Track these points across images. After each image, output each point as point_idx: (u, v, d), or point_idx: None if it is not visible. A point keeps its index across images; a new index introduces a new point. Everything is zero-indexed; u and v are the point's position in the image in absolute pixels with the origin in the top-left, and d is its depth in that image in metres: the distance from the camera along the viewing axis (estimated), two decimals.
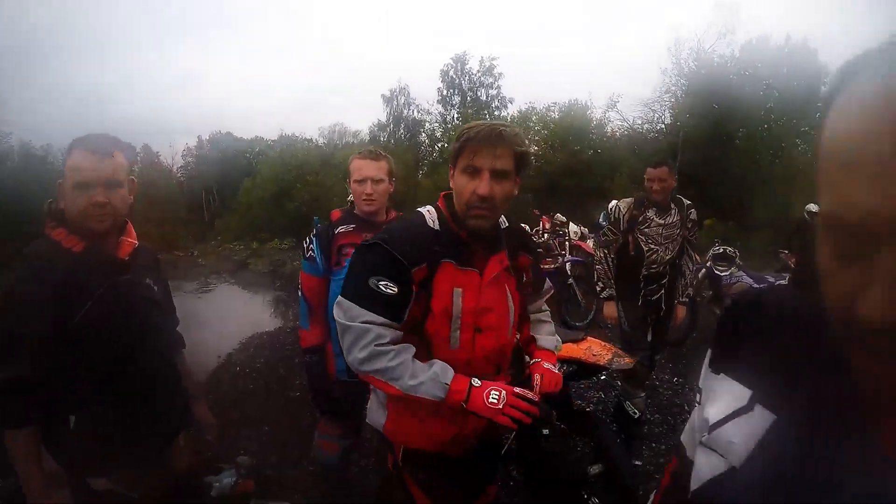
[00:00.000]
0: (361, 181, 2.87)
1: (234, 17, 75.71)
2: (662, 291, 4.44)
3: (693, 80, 20.90)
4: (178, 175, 50.19)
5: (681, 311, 4.55)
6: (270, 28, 73.46)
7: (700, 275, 7.14)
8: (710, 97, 19.16)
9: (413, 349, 1.76)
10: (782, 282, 6.49)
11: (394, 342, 1.74)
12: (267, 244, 27.58)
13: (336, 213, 3.06)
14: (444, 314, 1.77)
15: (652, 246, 4.32)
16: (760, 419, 0.67)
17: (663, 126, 22.85)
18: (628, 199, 4.49)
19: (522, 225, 2.78)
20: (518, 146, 1.73)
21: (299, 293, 3.00)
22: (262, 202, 35.41)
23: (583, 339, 3.60)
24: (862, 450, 0.57)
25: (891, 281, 0.47)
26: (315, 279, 2.92)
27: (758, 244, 13.61)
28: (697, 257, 5.43)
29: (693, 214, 4.41)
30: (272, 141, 52.57)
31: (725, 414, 0.72)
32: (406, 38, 67.67)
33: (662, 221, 4.30)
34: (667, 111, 22.83)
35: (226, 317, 10.44)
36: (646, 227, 4.32)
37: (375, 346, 1.70)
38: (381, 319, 1.71)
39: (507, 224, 1.95)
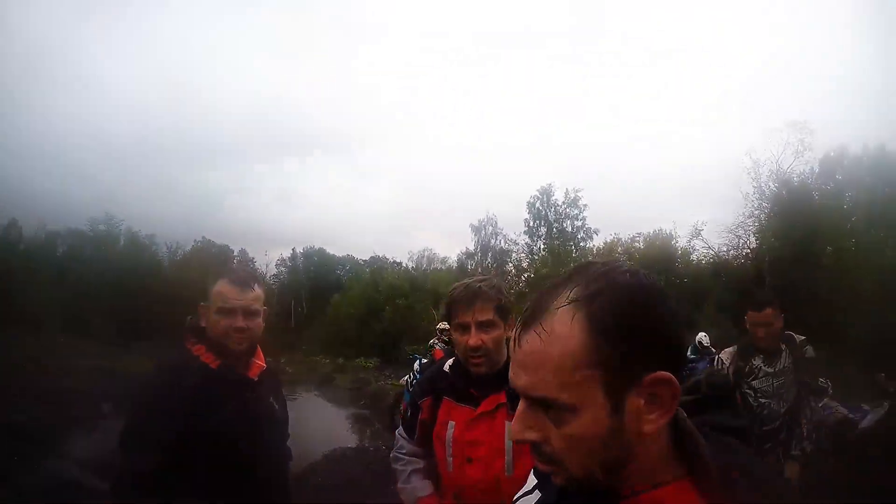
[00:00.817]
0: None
1: (335, 141, 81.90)
2: (779, 449, 3.78)
3: (775, 203, 20.51)
4: (270, 283, 52.44)
5: (792, 469, 3.74)
6: (368, 153, 78.72)
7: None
8: (794, 218, 18.60)
9: (419, 463, 2.22)
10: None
11: (409, 453, 2.25)
12: (352, 360, 28.02)
13: (439, 353, 3.27)
14: (439, 440, 2.08)
15: (762, 400, 3.76)
16: None
17: (748, 251, 22.33)
18: (730, 350, 4.01)
19: None
20: (496, 300, 1.99)
21: (400, 416, 3.12)
22: (350, 319, 36.41)
23: None
24: None
25: None
26: None
27: (852, 369, 12.60)
28: (815, 402, 4.37)
29: (809, 352, 3.84)
30: (363, 261, 54.86)
31: None
32: (494, 169, 70.41)
33: (772, 369, 3.77)
34: (751, 236, 22.33)
35: (309, 428, 10.54)
36: (753, 380, 3.80)
37: (395, 452, 2.30)
38: (404, 434, 2.29)
39: None
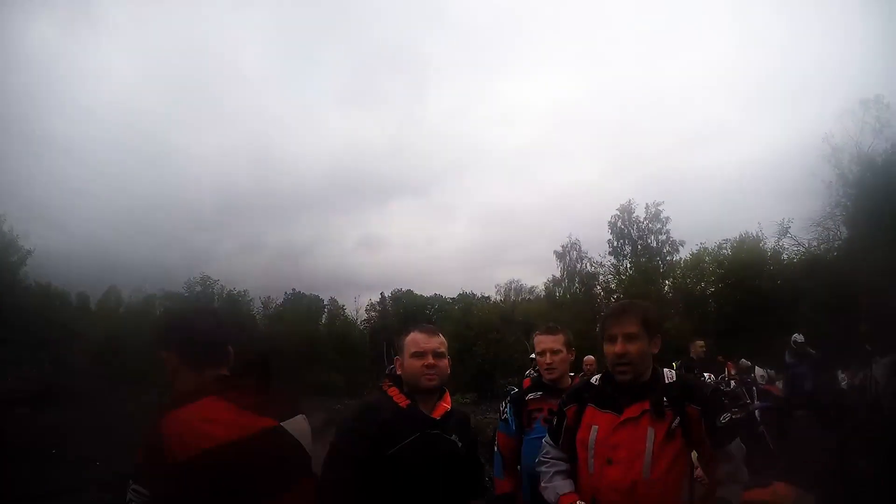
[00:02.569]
0: (542, 353, 3.27)
1: (410, 184, 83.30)
2: None
3: (861, 187, 19.41)
4: (362, 327, 53.69)
5: None
6: (444, 192, 79.52)
7: None
8: (887, 200, 17.52)
9: (563, 465, 2.43)
10: None
11: (553, 457, 2.47)
12: None
13: (527, 382, 3.60)
14: (581, 444, 2.33)
15: None
16: None
17: (840, 242, 21.19)
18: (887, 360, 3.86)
19: (705, 377, 3.04)
20: (642, 315, 2.30)
21: (495, 448, 3.44)
22: None
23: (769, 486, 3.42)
24: None
25: None
26: (509, 438, 3.32)
27: None
28: None
29: None
30: (451, 299, 55.33)
31: None
32: (572, 193, 69.75)
33: None
34: (841, 226, 21.21)
35: None
36: None
37: (541, 457, 2.53)
38: (549, 440, 2.53)
39: (673, 378, 2.34)
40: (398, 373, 2.52)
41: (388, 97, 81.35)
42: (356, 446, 2.23)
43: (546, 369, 3.26)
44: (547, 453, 2.51)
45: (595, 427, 2.29)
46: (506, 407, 3.42)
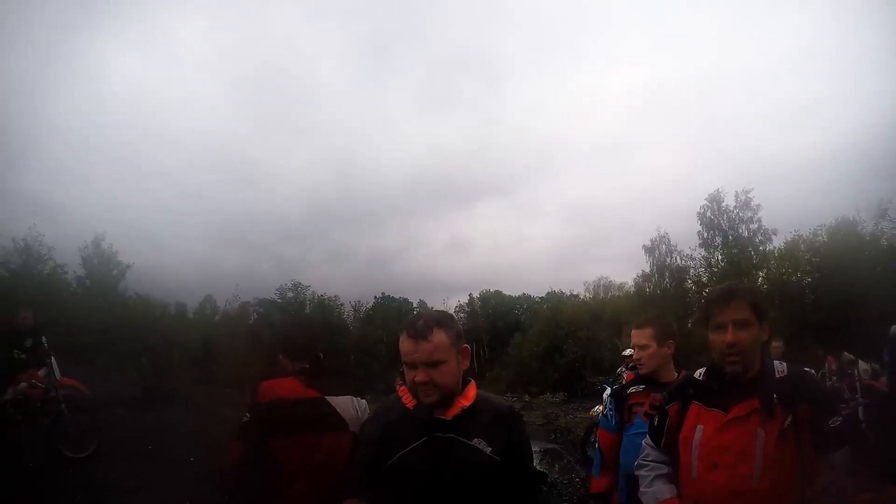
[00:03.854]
0: (633, 348, 3.25)
1: (494, 184, 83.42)
2: None
3: None
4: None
5: None
6: (528, 191, 79.26)
7: None
8: None
9: (664, 469, 2.30)
10: None
11: (654, 460, 2.34)
12: (538, 397, 28.22)
13: (629, 376, 3.55)
14: (685, 445, 2.15)
15: None
16: None
17: None
18: None
19: (808, 370, 2.93)
20: (752, 299, 2.09)
21: (596, 445, 3.42)
22: (534, 356, 36.73)
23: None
24: None
25: None
26: (610, 435, 3.28)
27: None
28: None
29: None
30: (540, 298, 55.09)
31: None
32: (658, 185, 67.79)
33: None
34: None
35: None
36: None
37: (641, 460, 2.40)
38: (650, 442, 2.39)
39: (785, 372, 2.11)
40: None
41: (465, 100, 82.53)
42: (363, 448, 2.11)
43: (637, 363, 3.23)
44: (647, 455, 2.38)
45: (700, 427, 2.11)
46: (607, 402, 3.36)
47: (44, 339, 7.59)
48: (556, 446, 12.61)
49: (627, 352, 10.68)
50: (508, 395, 31.83)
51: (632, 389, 3.23)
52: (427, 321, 1.97)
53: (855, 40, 61.03)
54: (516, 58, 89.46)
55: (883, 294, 18.56)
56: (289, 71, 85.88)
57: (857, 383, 7.77)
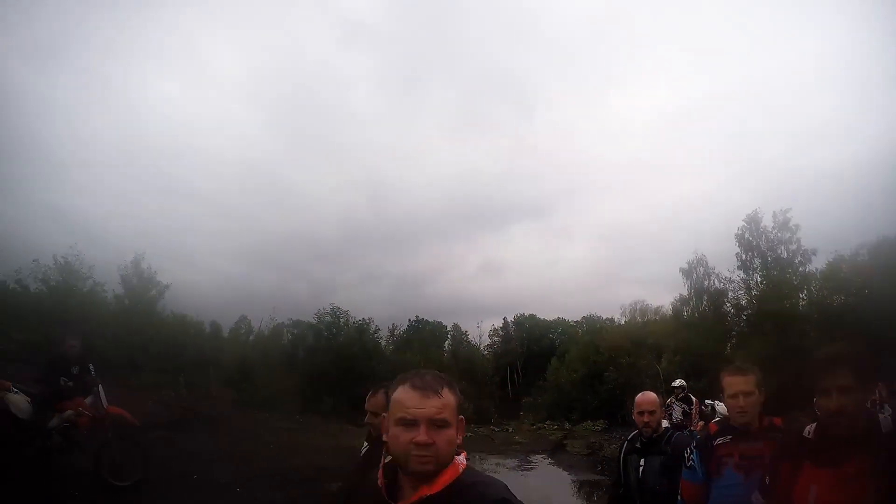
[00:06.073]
0: (734, 396, 3.05)
1: (527, 207, 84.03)
2: None
3: None
4: (485, 353, 54.40)
5: None
6: (561, 214, 79.62)
7: None
8: None
9: None
10: None
11: None
12: (578, 425, 28.12)
13: (713, 427, 3.38)
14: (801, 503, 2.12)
15: None
16: None
17: None
18: None
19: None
20: (854, 365, 2.07)
21: (679, 497, 3.38)
22: (573, 383, 36.53)
23: None
24: None
25: None
26: (694, 486, 3.21)
27: None
28: None
29: None
30: (575, 322, 54.92)
31: None
32: (695, 207, 67.31)
33: None
34: None
35: (554, 497, 11.39)
36: None
37: None
38: (761, 499, 2.39)
39: (891, 427, 2.10)
40: (383, 437, 1.66)
41: (496, 123, 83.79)
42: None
43: (738, 413, 3.04)
44: None
45: (813, 487, 2.11)
46: (691, 453, 3.26)
47: (91, 367, 7.75)
48: (604, 478, 12.69)
49: (677, 383, 10.81)
50: (549, 422, 31.74)
51: (719, 441, 3.14)
52: (436, 377, 1.64)
53: (894, 49, 59.97)
54: (546, 81, 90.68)
55: None
56: (322, 95, 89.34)
57: None
